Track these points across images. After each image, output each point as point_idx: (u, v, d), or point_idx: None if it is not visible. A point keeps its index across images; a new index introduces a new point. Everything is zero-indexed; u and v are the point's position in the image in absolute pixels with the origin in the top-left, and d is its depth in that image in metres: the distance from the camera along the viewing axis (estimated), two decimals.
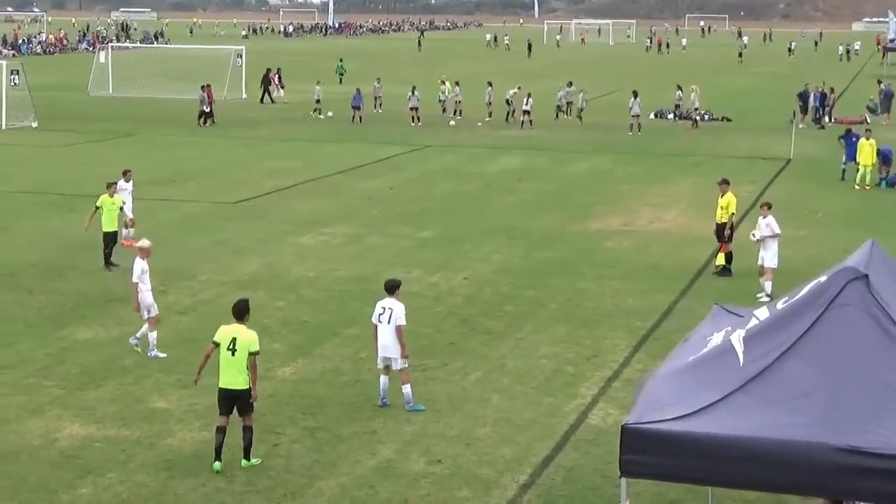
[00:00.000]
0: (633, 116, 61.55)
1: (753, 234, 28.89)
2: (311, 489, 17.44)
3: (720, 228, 30.92)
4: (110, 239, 30.55)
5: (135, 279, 23.37)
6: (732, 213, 30.86)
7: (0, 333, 25.02)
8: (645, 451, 12.29)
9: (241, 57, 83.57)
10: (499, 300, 28.12)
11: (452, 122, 65.72)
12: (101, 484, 17.56)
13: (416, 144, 56.81)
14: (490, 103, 67.62)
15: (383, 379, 20.64)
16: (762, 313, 13.84)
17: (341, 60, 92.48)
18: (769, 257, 28.44)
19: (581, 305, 27.75)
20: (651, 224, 37.55)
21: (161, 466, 18.19)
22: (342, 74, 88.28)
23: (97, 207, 30.51)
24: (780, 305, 13.68)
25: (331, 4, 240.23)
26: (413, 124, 64.57)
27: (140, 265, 23.43)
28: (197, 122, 63.79)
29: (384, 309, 20.24)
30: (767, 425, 12.01)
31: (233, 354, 17.79)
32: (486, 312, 27.06)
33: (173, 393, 21.44)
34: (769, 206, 29.01)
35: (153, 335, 23.51)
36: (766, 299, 26.82)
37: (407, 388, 20.46)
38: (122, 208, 31.09)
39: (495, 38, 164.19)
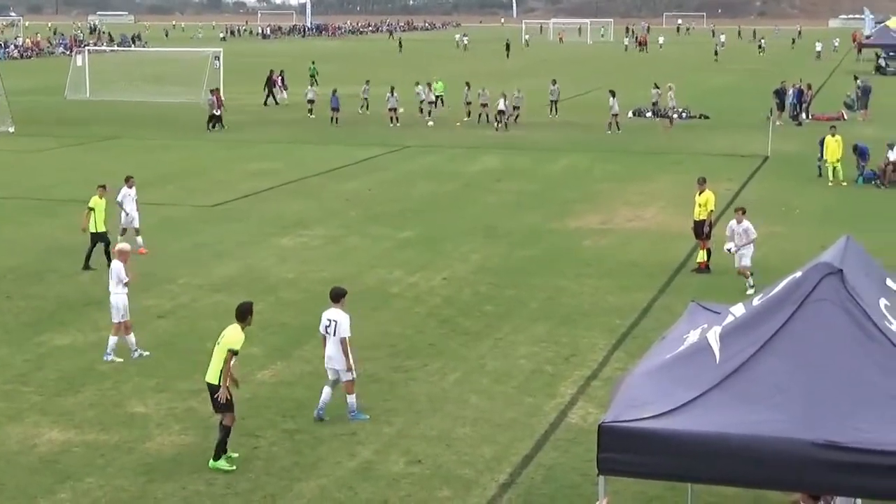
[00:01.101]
0: (613, 115, 61.63)
1: (729, 249, 28.67)
2: (291, 491, 17.43)
3: (698, 226, 31.02)
4: (97, 239, 30.76)
5: (125, 280, 23.34)
6: (711, 211, 30.95)
7: None
8: (622, 450, 12.30)
9: (218, 59, 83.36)
10: (478, 300, 28.14)
11: (431, 123, 65.71)
12: (80, 489, 17.52)
13: (395, 145, 56.80)
14: (469, 103, 67.66)
15: (326, 390, 20.31)
16: (738, 310, 13.88)
17: (314, 63, 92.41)
18: (746, 259, 28.48)
19: (560, 304, 27.78)
20: (630, 222, 37.60)
21: (140, 471, 18.15)
22: (314, 76, 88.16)
23: (90, 209, 30.66)
24: (755, 302, 13.72)
25: (308, 6, 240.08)
26: (392, 125, 64.57)
27: (121, 268, 23.40)
28: (206, 127, 63.50)
29: (329, 321, 19.90)
30: (744, 422, 12.04)
31: (218, 346, 18.20)
32: (466, 313, 27.07)
33: (152, 397, 21.40)
34: (743, 211, 28.86)
35: (131, 338, 23.53)
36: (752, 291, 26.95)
37: (351, 398, 20.14)
38: (92, 209, 31.02)
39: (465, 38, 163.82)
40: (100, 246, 30.73)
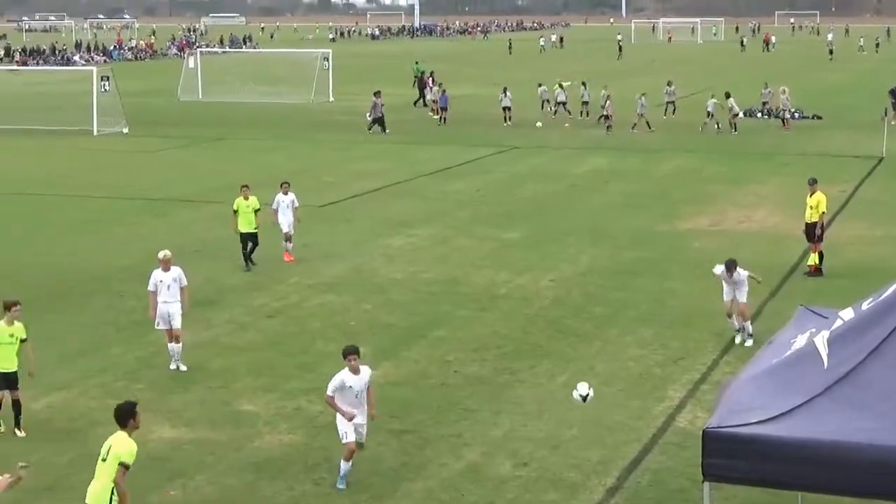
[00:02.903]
0: (732, 115, 60.98)
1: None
2: (397, 492, 17.47)
3: (810, 228, 30.57)
4: (247, 238, 31.09)
5: (150, 288, 23.18)
6: (823, 213, 30.47)
7: (91, 337, 25.40)
8: (727, 455, 12.15)
9: (327, 60, 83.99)
10: (586, 302, 28.01)
11: (539, 124, 65.54)
12: (190, 486, 17.73)
13: (503, 146, 56.73)
14: (585, 103, 67.80)
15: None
16: (847, 314, 13.65)
17: (417, 63, 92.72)
18: (742, 295, 24.85)
19: (669, 307, 27.55)
20: (740, 224, 37.19)
21: (249, 469, 18.33)
22: (417, 77, 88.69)
23: (234, 211, 30.93)
24: (864, 306, 13.47)
25: (417, 6, 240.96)
26: (505, 124, 64.74)
27: (155, 276, 23.19)
28: (367, 129, 63.12)
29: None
30: (852, 429, 11.84)
31: (103, 461, 14.58)
32: (573, 314, 26.97)
33: (261, 396, 21.59)
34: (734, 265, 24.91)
35: (174, 347, 23.17)
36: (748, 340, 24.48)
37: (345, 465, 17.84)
38: (257, 210, 31.15)
39: (561, 39, 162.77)
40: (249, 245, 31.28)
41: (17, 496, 16.95)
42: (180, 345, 23.20)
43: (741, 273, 24.63)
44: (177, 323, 23.07)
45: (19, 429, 19.86)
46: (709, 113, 62.09)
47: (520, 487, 17.60)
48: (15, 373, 19.77)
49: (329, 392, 17.62)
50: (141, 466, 18.30)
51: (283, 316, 27.04)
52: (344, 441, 17.59)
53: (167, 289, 23.08)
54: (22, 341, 19.84)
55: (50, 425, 20.32)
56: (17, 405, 19.81)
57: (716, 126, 60.98)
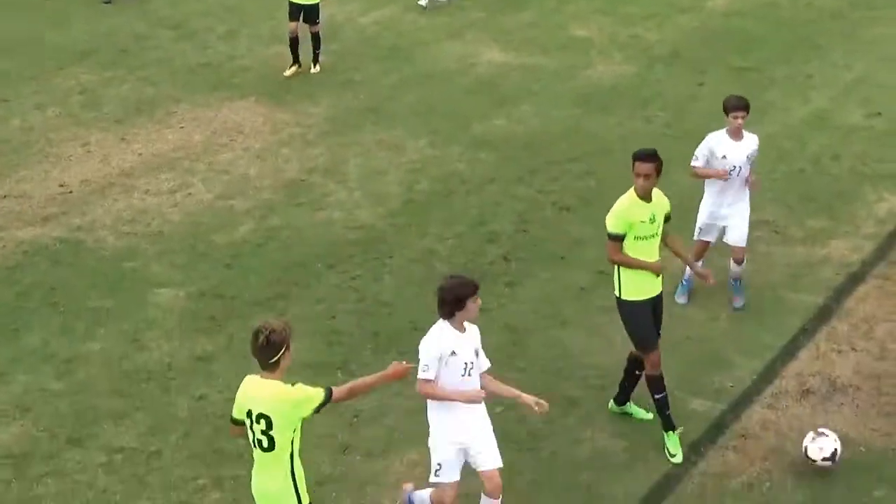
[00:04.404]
0: None
1: None
2: None
3: None
4: None
5: None
6: None
7: None
8: None
9: None
10: None
11: None
12: (513, 115, 16.81)
13: None
14: None
15: None
16: None
17: None
18: None
19: None
20: None
21: (577, 101, 17.24)
22: None
23: None
24: None
25: None
26: None
27: None
28: None
29: None
30: None
31: None
32: None
33: (595, 20, 20.35)
34: None
35: None
36: None
37: None
38: None
39: None
40: None
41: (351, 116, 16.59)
42: None
43: None
44: None
45: (315, 63, 18.52)
46: None
47: (868, 140, 15.97)
48: (315, 4, 18.20)
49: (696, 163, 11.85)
50: (466, 90, 17.77)
51: None
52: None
53: None
54: None
55: (377, 42, 19.69)
56: (315, 38, 18.36)
57: None
